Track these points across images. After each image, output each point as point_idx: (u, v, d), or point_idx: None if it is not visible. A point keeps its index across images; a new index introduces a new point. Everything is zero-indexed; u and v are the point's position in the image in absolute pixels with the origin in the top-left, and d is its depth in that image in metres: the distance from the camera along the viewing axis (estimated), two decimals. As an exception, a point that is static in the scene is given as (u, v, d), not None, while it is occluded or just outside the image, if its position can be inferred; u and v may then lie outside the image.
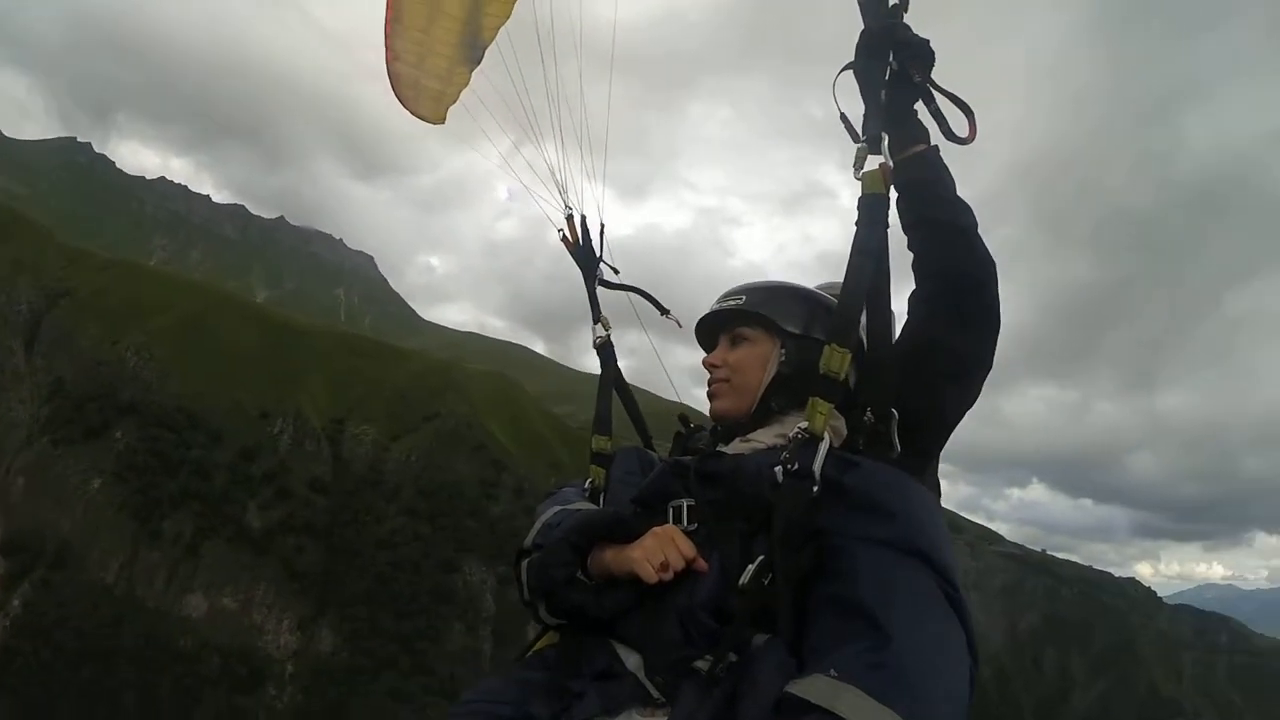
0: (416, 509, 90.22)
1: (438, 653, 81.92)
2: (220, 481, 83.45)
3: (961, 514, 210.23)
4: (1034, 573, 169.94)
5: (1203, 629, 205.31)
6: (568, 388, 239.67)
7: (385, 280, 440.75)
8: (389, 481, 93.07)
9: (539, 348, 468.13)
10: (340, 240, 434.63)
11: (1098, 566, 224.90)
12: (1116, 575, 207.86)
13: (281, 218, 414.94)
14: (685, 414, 2.98)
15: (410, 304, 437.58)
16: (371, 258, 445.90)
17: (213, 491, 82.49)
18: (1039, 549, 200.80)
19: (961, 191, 2.40)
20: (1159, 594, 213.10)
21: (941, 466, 2.63)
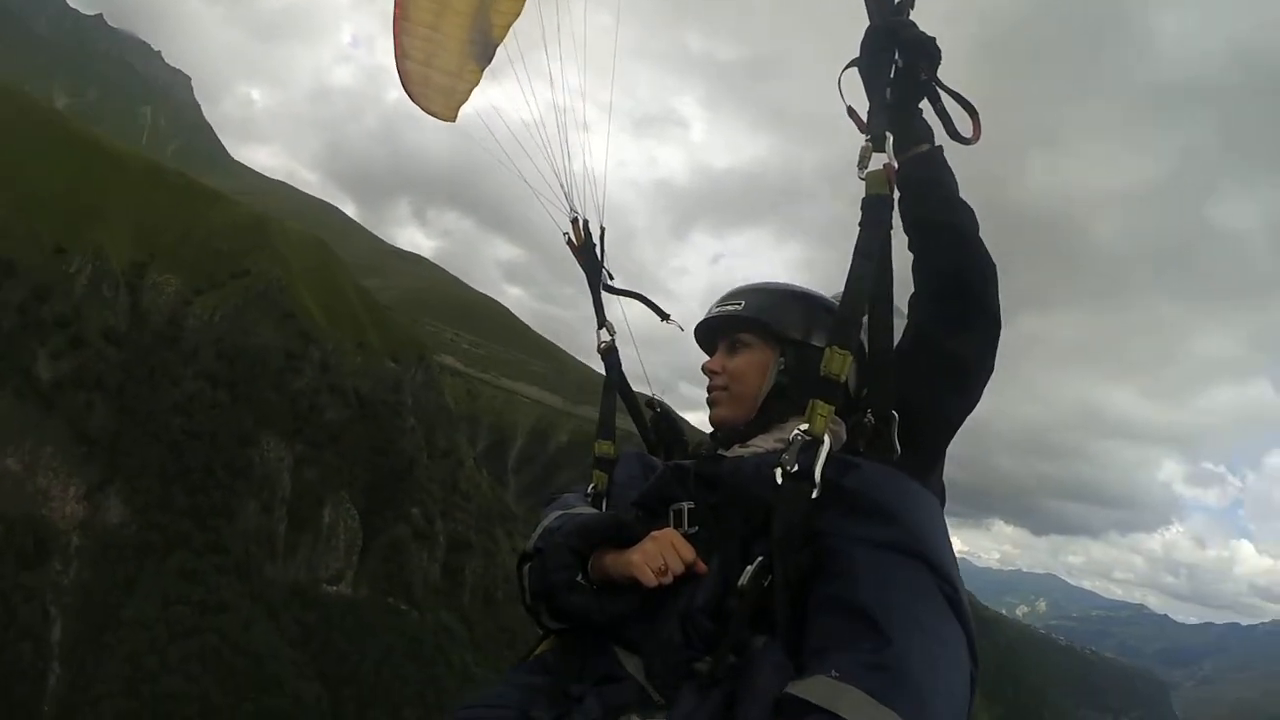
0: (216, 375, 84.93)
1: (232, 531, 78.63)
2: (9, 323, 75.00)
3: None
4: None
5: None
6: (378, 260, 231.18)
7: (199, 106, 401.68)
8: (188, 340, 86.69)
9: (349, 210, 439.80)
10: (159, 53, 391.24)
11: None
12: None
13: (100, 16, 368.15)
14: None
15: (220, 137, 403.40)
16: (189, 79, 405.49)
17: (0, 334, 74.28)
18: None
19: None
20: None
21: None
